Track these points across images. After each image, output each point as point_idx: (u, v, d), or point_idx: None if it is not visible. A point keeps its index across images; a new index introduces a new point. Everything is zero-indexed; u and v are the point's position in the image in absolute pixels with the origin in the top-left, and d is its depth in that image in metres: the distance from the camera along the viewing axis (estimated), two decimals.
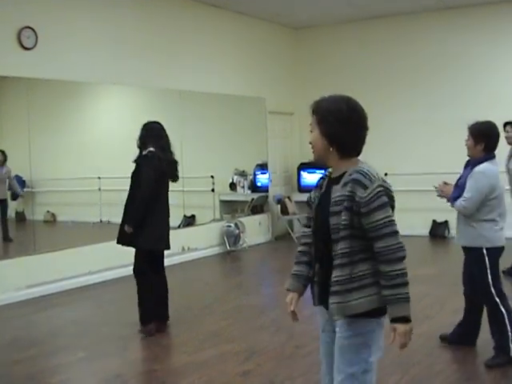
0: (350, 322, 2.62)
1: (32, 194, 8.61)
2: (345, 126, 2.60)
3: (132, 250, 5.75)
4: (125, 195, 5.73)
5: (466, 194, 4.45)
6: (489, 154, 4.52)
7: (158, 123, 5.88)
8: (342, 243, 2.56)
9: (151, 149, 5.69)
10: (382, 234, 2.52)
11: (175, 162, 5.85)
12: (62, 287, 7.42)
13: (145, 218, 5.55)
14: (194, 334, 5.89)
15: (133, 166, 5.73)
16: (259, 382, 4.43)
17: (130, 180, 5.74)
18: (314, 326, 5.84)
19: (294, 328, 5.68)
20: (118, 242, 5.75)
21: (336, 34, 11.70)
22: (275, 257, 10.12)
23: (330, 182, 2.71)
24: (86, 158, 9.13)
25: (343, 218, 2.54)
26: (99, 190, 9.20)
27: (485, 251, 4.49)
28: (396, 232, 2.54)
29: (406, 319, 2.54)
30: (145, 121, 5.94)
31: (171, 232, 5.92)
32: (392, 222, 2.54)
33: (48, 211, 9.07)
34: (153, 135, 5.76)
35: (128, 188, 5.76)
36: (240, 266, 9.54)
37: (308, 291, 3.00)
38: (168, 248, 5.86)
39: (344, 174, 2.62)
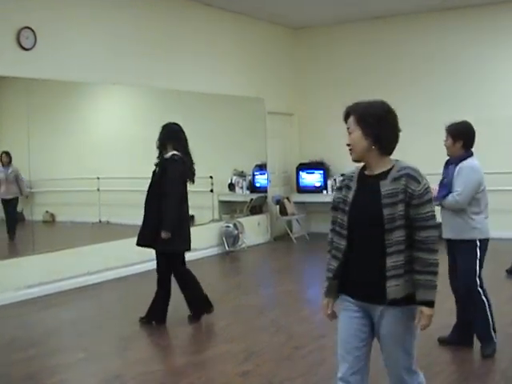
0: (406, 308, 2.85)
1: (31, 194, 8.61)
2: (385, 127, 2.88)
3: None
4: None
5: (458, 189, 4.60)
6: (468, 152, 4.75)
7: (176, 124, 5.97)
8: (397, 232, 2.79)
9: (175, 152, 5.77)
10: (427, 225, 2.80)
11: (193, 164, 5.97)
12: (61, 287, 7.41)
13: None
14: (194, 334, 5.90)
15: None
16: (258, 382, 4.43)
17: (149, 182, 5.87)
18: (313, 327, 5.87)
19: (293, 328, 5.70)
20: (140, 244, 5.92)
21: (335, 35, 11.71)
22: (274, 257, 10.12)
23: (370, 178, 2.92)
24: (85, 159, 9.13)
25: (400, 208, 2.79)
26: (98, 190, 9.20)
27: (478, 243, 4.65)
28: (437, 225, 2.84)
29: (432, 303, 2.82)
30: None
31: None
32: (435, 216, 2.83)
33: (47, 211, 9.06)
34: (172, 137, 5.84)
35: (146, 189, 5.93)
36: (239, 266, 9.55)
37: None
38: (190, 249, 5.99)
39: (389, 170, 2.87)
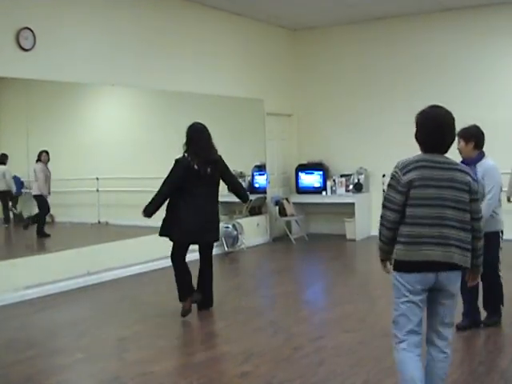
0: None
1: (30, 194, 8.61)
2: (418, 129, 3.48)
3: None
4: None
5: (488, 195, 5.04)
6: (481, 152, 5.20)
7: (199, 124, 6.22)
8: None
9: (185, 154, 6.10)
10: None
11: (207, 162, 6.13)
12: (60, 288, 7.41)
13: (172, 214, 6.13)
14: (193, 335, 5.90)
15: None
16: (257, 383, 4.43)
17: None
18: (312, 328, 5.87)
19: (292, 329, 5.70)
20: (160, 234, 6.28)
21: (334, 36, 11.71)
22: (273, 258, 10.12)
23: None
24: (84, 159, 9.13)
25: None
26: (97, 190, 9.20)
27: (500, 233, 5.24)
28: (383, 206, 3.42)
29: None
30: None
31: None
32: (384, 198, 3.43)
33: None
34: (190, 138, 6.14)
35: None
36: (238, 267, 9.54)
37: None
38: (198, 242, 6.39)
39: None
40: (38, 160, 8.31)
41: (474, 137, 5.15)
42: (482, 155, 5.19)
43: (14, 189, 8.53)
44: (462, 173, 3.36)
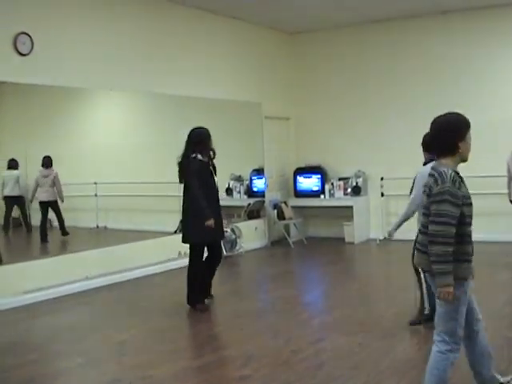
0: None
1: (29, 199, 8.61)
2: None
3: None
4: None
5: (411, 195, 5.43)
6: (430, 157, 5.29)
7: (194, 129, 6.62)
8: None
9: None
10: None
11: (179, 166, 6.54)
12: (59, 293, 7.40)
13: None
14: (192, 339, 5.90)
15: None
16: None
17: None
18: (311, 331, 5.87)
19: (291, 333, 5.70)
20: None
21: (332, 39, 11.72)
22: (272, 262, 10.12)
23: None
24: (83, 164, 9.13)
25: None
26: (95, 195, 9.20)
27: None
28: None
29: None
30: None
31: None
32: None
33: None
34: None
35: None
36: (237, 271, 9.53)
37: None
38: (185, 242, 6.60)
39: None
40: (48, 165, 8.35)
41: (424, 142, 5.45)
42: (429, 159, 5.20)
43: (25, 194, 8.55)
44: (429, 177, 3.44)
